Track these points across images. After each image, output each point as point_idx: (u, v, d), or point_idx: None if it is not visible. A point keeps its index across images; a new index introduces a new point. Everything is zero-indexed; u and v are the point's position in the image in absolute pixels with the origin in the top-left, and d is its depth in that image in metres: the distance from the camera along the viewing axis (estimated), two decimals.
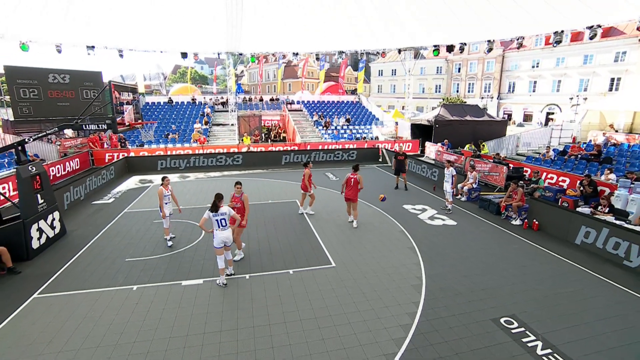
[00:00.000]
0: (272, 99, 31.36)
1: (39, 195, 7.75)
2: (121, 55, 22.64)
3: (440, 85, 51.29)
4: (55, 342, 4.82)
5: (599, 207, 8.49)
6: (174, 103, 27.92)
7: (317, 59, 25.37)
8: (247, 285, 6.29)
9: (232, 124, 25.36)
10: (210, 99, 29.57)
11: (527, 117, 42.20)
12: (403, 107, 29.01)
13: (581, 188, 10.47)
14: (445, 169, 10.37)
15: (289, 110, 27.99)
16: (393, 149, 19.81)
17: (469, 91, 47.72)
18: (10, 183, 11.43)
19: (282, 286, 6.26)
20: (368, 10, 16.65)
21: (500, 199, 10.14)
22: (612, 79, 33.96)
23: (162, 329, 5.09)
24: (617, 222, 7.59)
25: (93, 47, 20.42)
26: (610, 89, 33.76)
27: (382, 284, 6.34)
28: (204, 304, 5.73)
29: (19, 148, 7.36)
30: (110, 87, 8.32)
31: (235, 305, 5.66)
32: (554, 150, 16.06)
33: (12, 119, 18.79)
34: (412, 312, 5.45)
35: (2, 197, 8.64)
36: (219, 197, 6.12)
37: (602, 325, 5.20)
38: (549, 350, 4.64)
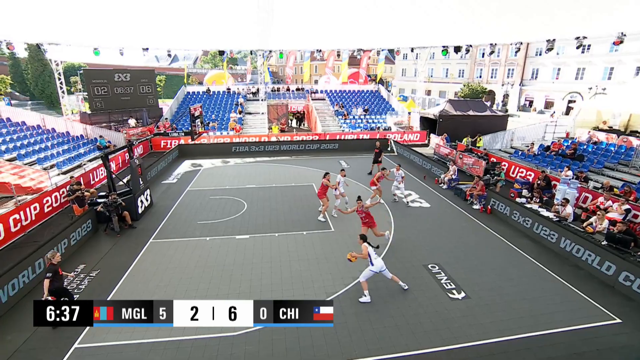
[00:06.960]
0: (298, 89, 34.49)
1: (140, 179, 11.72)
2: (169, 55, 26.57)
3: (463, 70, 51.82)
4: (173, 261, 8.77)
5: (533, 198, 11.30)
6: (211, 92, 31.77)
7: (338, 55, 27.91)
8: (276, 240, 9.99)
9: (262, 112, 28.93)
10: (243, 89, 33.14)
11: (549, 105, 42.57)
12: (430, 91, 30.82)
13: (538, 181, 13.15)
14: (395, 170, 12.82)
15: (313, 100, 31.08)
16: (402, 140, 22.66)
17: (491, 77, 48.19)
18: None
19: (298, 241, 9.89)
20: (382, 14, 19.13)
21: (467, 188, 13.09)
22: (639, 67, 34.03)
23: (227, 261, 8.88)
24: (539, 209, 10.46)
25: (147, 48, 24.17)
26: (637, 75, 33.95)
27: None
28: (250, 249, 9.48)
29: (130, 147, 11.28)
30: (190, 110, 12.03)
31: (269, 251, 9.37)
32: (540, 145, 18.30)
33: (88, 112, 23.37)
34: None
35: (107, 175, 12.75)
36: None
37: (485, 268, 8.42)
38: (449, 280, 7.96)
